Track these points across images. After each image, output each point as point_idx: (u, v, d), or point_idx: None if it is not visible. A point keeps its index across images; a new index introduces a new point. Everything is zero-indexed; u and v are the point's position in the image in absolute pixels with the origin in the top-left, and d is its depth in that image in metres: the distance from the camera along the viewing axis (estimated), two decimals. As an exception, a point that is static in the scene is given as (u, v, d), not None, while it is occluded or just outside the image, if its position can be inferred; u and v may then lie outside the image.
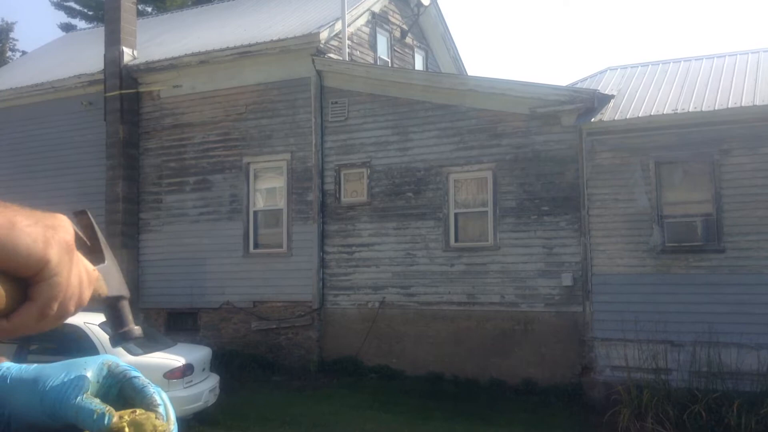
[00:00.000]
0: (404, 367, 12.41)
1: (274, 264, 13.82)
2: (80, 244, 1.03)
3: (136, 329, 1.11)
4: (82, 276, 0.79)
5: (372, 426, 9.55)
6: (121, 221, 14.84)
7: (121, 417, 0.98)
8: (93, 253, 1.04)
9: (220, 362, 11.25)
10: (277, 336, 13.55)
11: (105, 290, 1.01)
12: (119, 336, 1.10)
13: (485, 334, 12.00)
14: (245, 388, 11.37)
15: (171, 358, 8.87)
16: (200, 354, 9.68)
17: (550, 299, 11.62)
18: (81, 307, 0.82)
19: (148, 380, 1.06)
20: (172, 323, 14.50)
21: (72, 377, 0.94)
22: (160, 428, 1.02)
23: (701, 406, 8.91)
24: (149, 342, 9.53)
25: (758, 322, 9.89)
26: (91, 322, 8.91)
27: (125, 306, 1.10)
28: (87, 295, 0.82)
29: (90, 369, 0.99)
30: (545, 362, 11.47)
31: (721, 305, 10.16)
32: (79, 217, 1.06)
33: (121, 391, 1.05)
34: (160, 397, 1.05)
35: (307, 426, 9.54)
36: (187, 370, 8.83)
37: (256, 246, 14.09)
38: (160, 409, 1.03)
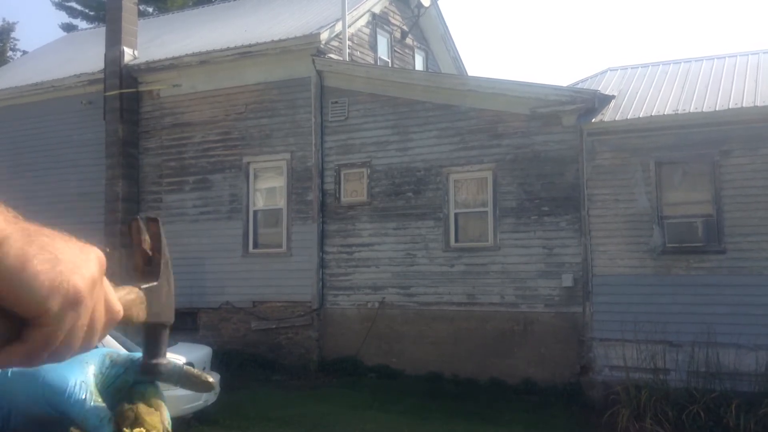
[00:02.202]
0: (404, 367, 12.41)
1: (274, 264, 13.82)
2: (139, 255, 0.99)
3: (166, 363, 1.02)
4: (95, 321, 0.74)
5: (372, 426, 9.55)
6: (120, 221, 14.84)
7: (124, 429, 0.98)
8: (149, 266, 0.98)
9: (220, 362, 11.25)
10: (276, 336, 13.55)
11: (142, 316, 0.94)
12: (147, 367, 1.01)
13: (485, 334, 12.00)
14: (245, 388, 11.37)
15: (171, 357, 8.86)
16: (201, 353, 9.69)
17: (550, 300, 11.62)
18: (85, 351, 0.78)
19: None
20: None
21: (76, 373, 0.94)
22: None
23: (700, 406, 8.92)
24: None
25: (757, 323, 9.90)
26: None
27: (162, 335, 1.02)
28: (95, 340, 0.77)
29: (92, 362, 0.99)
30: (545, 362, 11.47)
31: (720, 306, 10.16)
32: (150, 224, 1.00)
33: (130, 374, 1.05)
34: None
35: (306, 425, 9.54)
36: (187, 369, 8.82)
37: (255, 246, 14.10)
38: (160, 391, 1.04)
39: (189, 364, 8.90)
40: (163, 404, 1.04)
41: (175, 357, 8.96)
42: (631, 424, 9.09)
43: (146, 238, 1.00)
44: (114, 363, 1.03)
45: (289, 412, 10.13)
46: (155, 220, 1.00)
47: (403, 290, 12.68)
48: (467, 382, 11.74)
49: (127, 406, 0.99)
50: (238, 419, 9.58)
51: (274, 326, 13.55)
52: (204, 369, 9.57)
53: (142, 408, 1.00)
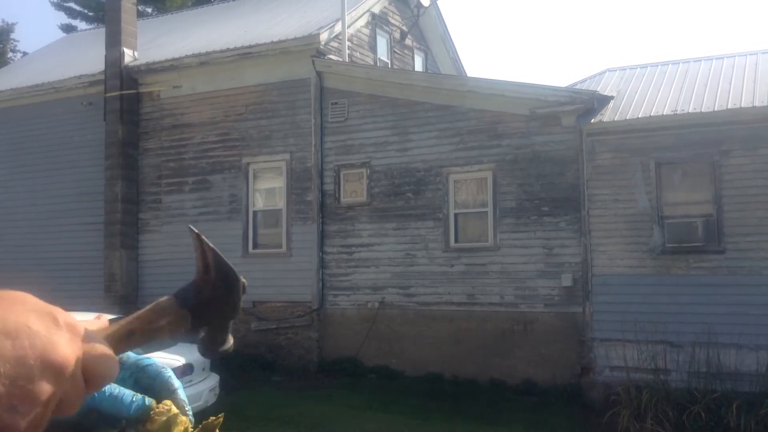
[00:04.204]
0: (404, 368, 12.41)
1: (274, 264, 13.81)
2: (200, 261, 0.98)
3: (227, 348, 1.03)
4: (69, 394, 0.69)
5: (371, 426, 9.55)
6: (120, 221, 14.84)
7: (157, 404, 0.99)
8: (207, 274, 0.97)
9: (220, 362, 11.23)
10: (276, 336, 13.55)
11: (181, 330, 0.93)
12: (211, 352, 1.01)
13: (485, 334, 11.99)
14: (245, 388, 11.37)
15: (171, 358, 8.86)
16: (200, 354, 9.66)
17: (549, 300, 11.62)
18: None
19: (161, 365, 1.06)
20: (172, 323, 14.49)
21: None
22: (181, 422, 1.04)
23: (700, 406, 8.91)
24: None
25: (757, 323, 9.90)
26: (90, 321, 8.90)
27: (219, 329, 1.01)
28: (75, 403, 0.71)
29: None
30: (545, 362, 11.47)
31: (720, 306, 10.16)
32: (202, 241, 0.99)
33: (138, 381, 1.06)
34: (177, 381, 1.07)
35: (306, 426, 9.54)
36: (187, 369, 8.83)
37: (255, 246, 14.09)
38: (180, 393, 1.05)
39: (188, 364, 8.92)
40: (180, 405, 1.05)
41: (175, 358, 8.99)
42: (631, 425, 9.09)
43: (202, 250, 0.99)
44: (122, 365, 1.03)
45: (289, 412, 10.13)
46: (207, 244, 0.98)
47: (403, 290, 12.68)
48: (467, 382, 11.74)
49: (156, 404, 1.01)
50: (238, 420, 9.57)
51: (274, 327, 13.55)
52: (203, 369, 9.57)
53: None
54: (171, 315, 0.91)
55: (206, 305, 0.94)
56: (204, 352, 1.01)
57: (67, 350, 0.68)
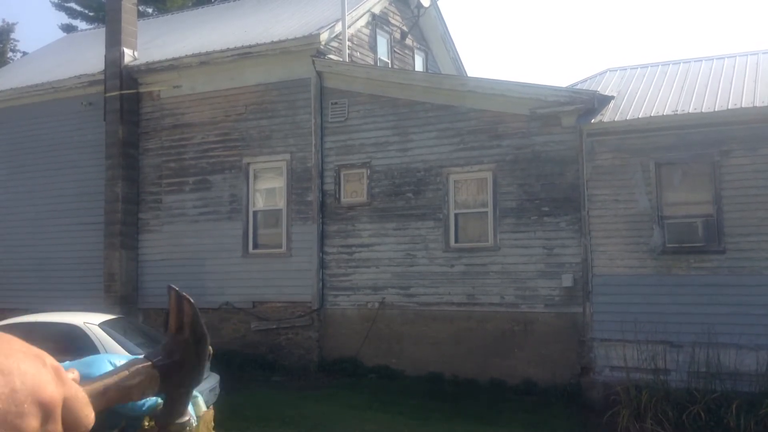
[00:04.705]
0: (404, 368, 12.41)
1: (274, 264, 13.82)
2: (174, 320, 0.99)
3: (186, 421, 1.05)
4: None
5: (371, 426, 9.55)
6: (120, 221, 14.85)
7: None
8: (180, 334, 0.99)
9: (220, 362, 11.23)
10: (277, 336, 13.55)
11: (152, 392, 0.94)
12: (166, 425, 1.02)
13: (485, 334, 11.99)
14: (245, 388, 11.37)
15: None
16: (200, 354, 9.65)
17: (550, 300, 11.62)
18: None
19: None
20: (172, 323, 14.47)
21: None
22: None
23: (700, 406, 8.92)
24: (149, 342, 9.53)
25: (757, 323, 9.90)
26: (91, 322, 8.91)
27: (183, 397, 1.02)
28: None
29: (118, 363, 1.02)
30: (545, 363, 11.47)
31: (720, 306, 10.16)
32: (184, 302, 1.00)
33: None
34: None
35: (306, 426, 9.54)
36: (186, 369, 8.81)
37: (255, 246, 14.09)
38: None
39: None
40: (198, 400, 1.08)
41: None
42: (631, 425, 9.09)
43: (179, 309, 1.02)
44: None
45: (289, 412, 10.13)
46: (189, 302, 1.01)
47: (403, 291, 12.68)
48: (467, 382, 11.74)
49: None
50: (238, 420, 9.57)
51: (274, 327, 13.55)
52: (204, 370, 9.55)
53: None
54: (143, 374, 0.93)
55: (175, 368, 0.97)
56: (160, 421, 1.03)
57: (55, 391, 0.70)
